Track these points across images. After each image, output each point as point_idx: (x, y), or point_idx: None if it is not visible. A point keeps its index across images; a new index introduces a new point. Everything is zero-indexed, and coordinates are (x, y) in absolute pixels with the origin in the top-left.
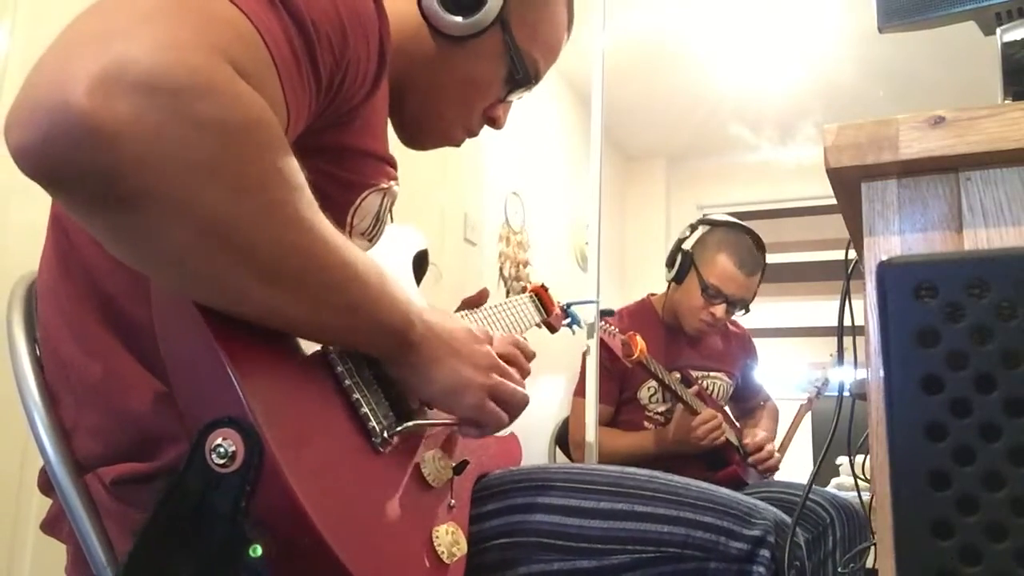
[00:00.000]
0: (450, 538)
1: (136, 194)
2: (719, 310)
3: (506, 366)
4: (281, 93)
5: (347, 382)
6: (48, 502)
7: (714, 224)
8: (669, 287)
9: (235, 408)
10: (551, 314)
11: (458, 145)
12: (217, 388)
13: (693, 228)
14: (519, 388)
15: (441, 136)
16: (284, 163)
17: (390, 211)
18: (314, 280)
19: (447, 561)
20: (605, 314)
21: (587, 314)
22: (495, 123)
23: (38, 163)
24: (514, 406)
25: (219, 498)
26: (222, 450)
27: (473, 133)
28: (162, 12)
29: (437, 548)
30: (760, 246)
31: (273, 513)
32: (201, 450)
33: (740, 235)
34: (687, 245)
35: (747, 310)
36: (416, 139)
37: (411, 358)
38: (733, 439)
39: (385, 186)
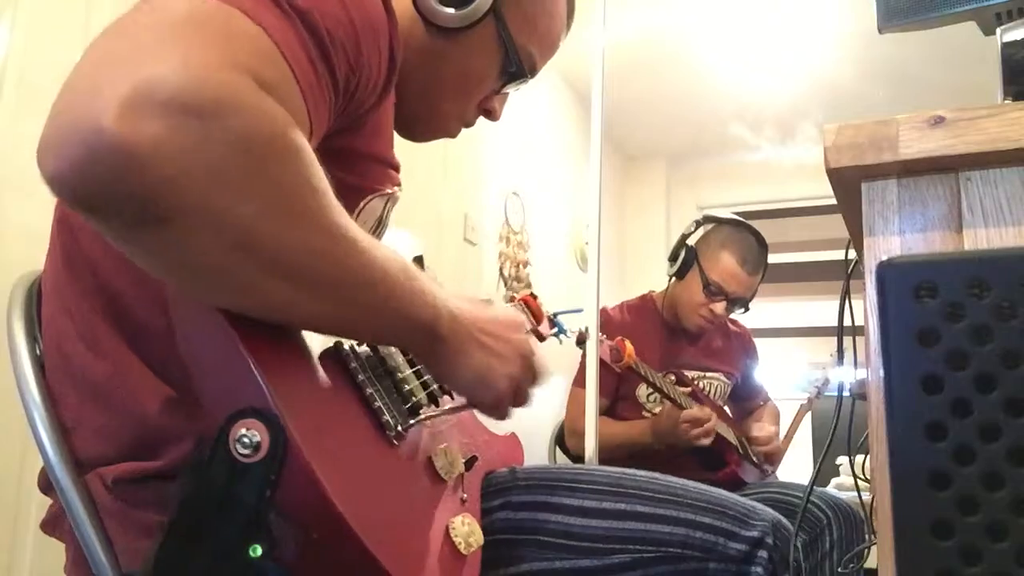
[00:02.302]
0: (466, 528)
1: (170, 213)
2: (719, 307)
3: (537, 355)
4: (303, 104)
5: (361, 377)
6: (48, 501)
7: (719, 221)
8: (670, 282)
9: (258, 399)
10: (539, 323)
11: (454, 136)
12: (239, 380)
13: (698, 224)
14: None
15: (437, 129)
16: (311, 171)
17: (390, 215)
18: (343, 282)
19: (464, 552)
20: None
21: (586, 319)
22: (491, 115)
23: (75, 191)
24: (522, 404)
25: (244, 488)
26: (246, 440)
27: (469, 124)
28: (185, 32)
29: (454, 539)
30: (763, 245)
31: (298, 501)
32: (225, 441)
33: (744, 233)
34: (691, 241)
35: (746, 309)
36: (412, 132)
37: (439, 350)
38: (732, 438)
39: (389, 191)
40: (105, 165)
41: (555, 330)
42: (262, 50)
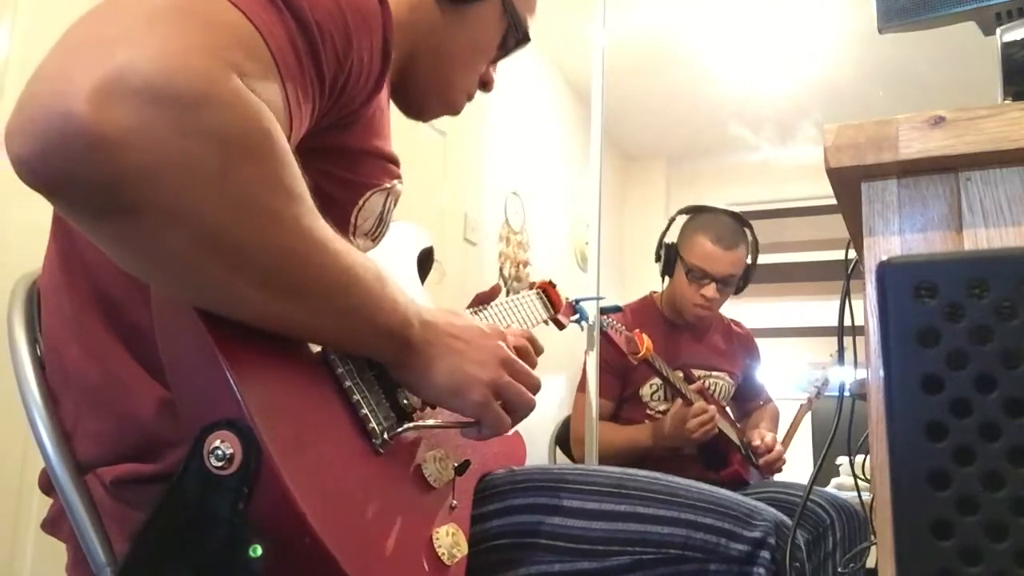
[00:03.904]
0: (450, 539)
1: (137, 204)
2: (709, 291)
3: (519, 361)
4: (284, 97)
5: (347, 383)
6: (49, 501)
7: (689, 211)
8: (664, 283)
9: (233, 410)
10: (558, 310)
11: (458, 112)
12: (215, 390)
13: (672, 220)
14: (526, 391)
15: (448, 103)
16: (286, 172)
17: (393, 210)
18: (313, 286)
19: (447, 563)
20: (613, 311)
21: (591, 310)
22: (487, 86)
23: (39, 173)
24: (519, 409)
25: (217, 501)
26: (220, 452)
27: (471, 97)
28: (163, 17)
29: (437, 550)
30: (740, 222)
31: (271, 515)
32: (199, 453)
33: (716, 214)
34: (668, 238)
35: (740, 288)
36: (422, 110)
37: (411, 359)
38: (734, 438)
39: (388, 186)
40: (72, 150)
41: (576, 316)
42: (245, 40)
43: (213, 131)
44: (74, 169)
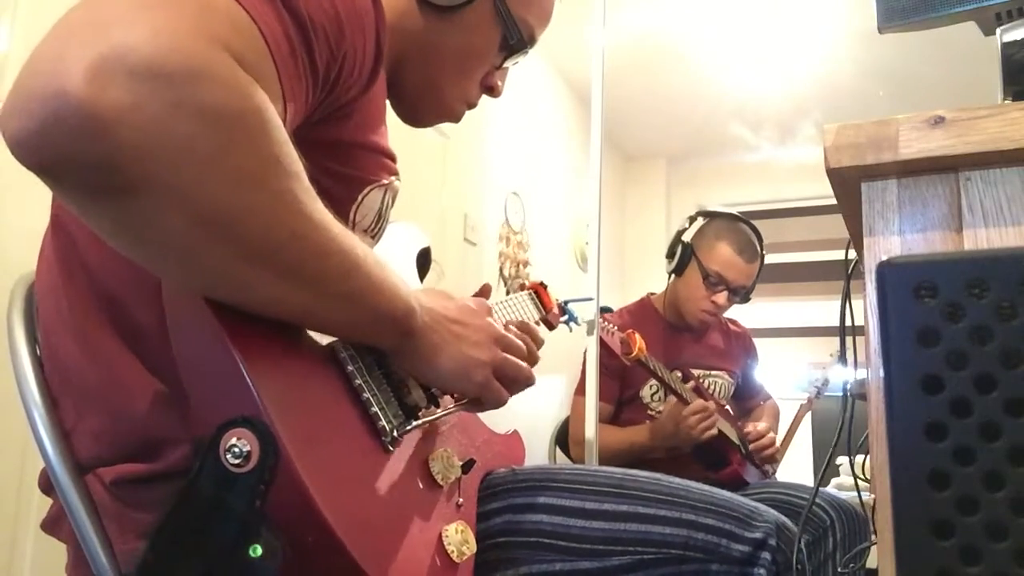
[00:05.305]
0: (460, 536)
1: (134, 183)
2: (721, 298)
3: (510, 336)
4: (278, 84)
5: (357, 382)
6: (49, 501)
7: (712, 215)
8: (669, 280)
9: (249, 408)
10: (549, 311)
11: (458, 119)
12: (231, 388)
13: (692, 220)
14: (523, 364)
15: (441, 111)
16: (281, 150)
17: (391, 207)
18: (314, 267)
19: (457, 560)
20: (603, 311)
21: (586, 312)
22: (493, 91)
23: (35, 153)
24: (516, 383)
25: (234, 498)
26: (237, 450)
27: (472, 105)
28: (159, 2)
29: (447, 547)
30: (757, 235)
31: (288, 512)
32: (215, 450)
33: (738, 224)
34: (687, 236)
35: (747, 299)
36: (417, 116)
37: (414, 346)
38: (734, 438)
39: (386, 182)
40: (69, 129)
41: (565, 317)
42: (239, 25)
43: (207, 109)
44: (69, 148)
